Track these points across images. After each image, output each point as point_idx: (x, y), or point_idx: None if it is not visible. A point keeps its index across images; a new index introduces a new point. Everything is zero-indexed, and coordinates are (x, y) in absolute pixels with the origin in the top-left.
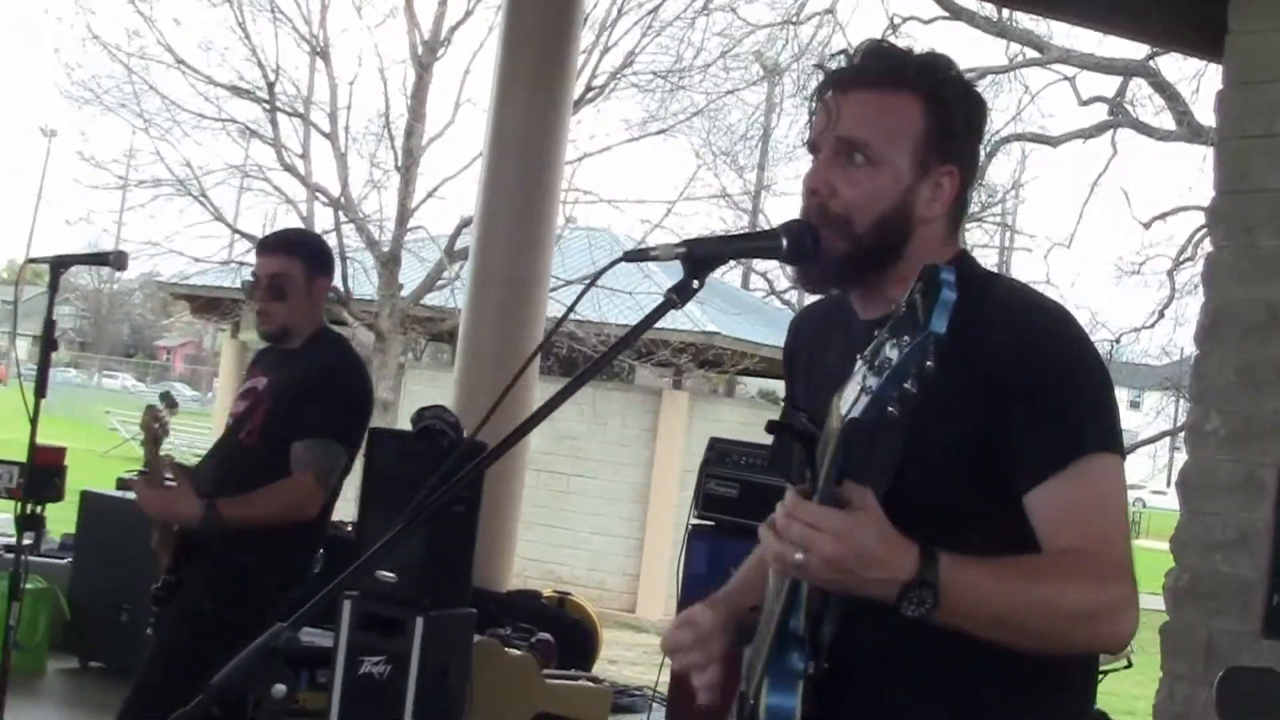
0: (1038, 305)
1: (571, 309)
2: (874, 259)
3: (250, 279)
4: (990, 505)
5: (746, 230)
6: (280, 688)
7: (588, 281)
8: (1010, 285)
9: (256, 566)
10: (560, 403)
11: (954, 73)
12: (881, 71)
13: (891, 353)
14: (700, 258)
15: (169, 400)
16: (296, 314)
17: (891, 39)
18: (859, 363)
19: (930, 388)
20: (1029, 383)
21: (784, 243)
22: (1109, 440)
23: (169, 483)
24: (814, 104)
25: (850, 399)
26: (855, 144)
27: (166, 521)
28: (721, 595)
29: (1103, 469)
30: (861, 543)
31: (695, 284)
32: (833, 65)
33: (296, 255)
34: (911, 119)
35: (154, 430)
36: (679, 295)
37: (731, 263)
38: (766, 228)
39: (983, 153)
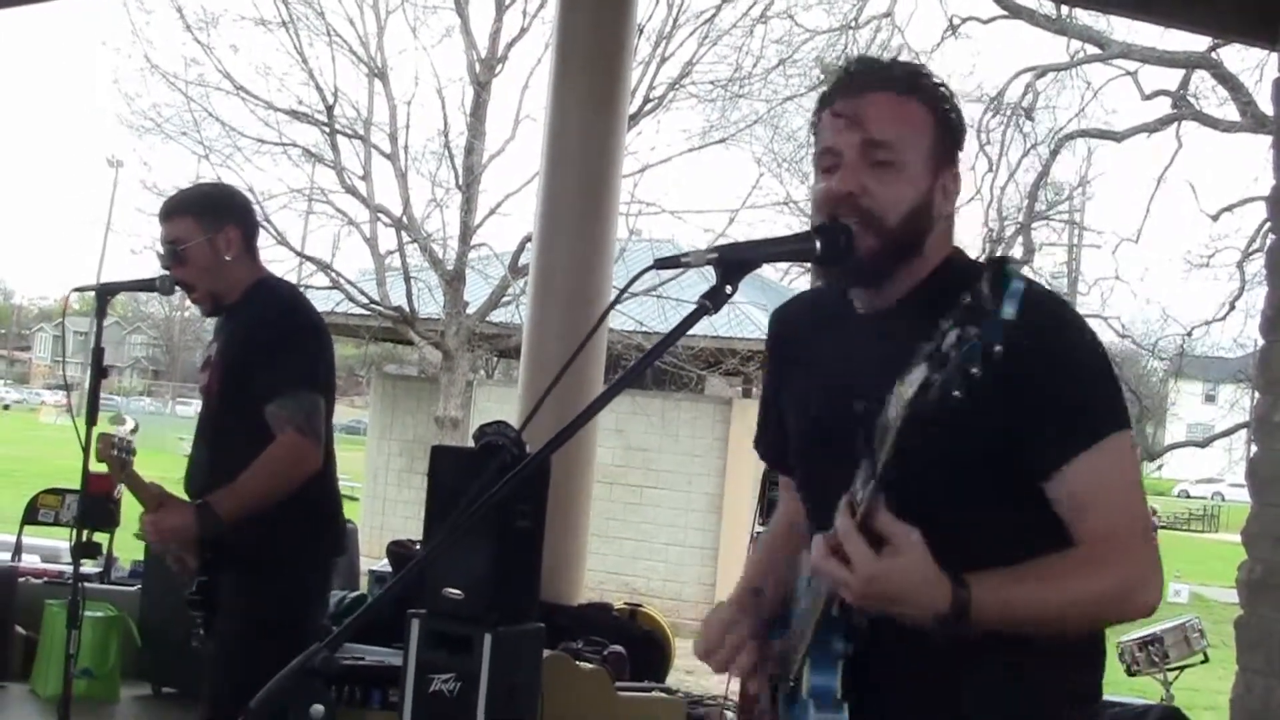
0: (1030, 292)
1: (601, 321)
2: (902, 252)
3: (159, 253)
4: (1010, 492)
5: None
6: (318, 708)
7: (620, 291)
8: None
9: (282, 556)
10: (595, 412)
11: (944, 84)
12: (890, 78)
13: (957, 341)
14: (733, 263)
15: (118, 420)
16: (208, 274)
17: (953, 39)
18: (919, 351)
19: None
20: (1034, 371)
21: (817, 245)
22: (1122, 418)
23: (166, 505)
24: (820, 116)
25: (915, 384)
26: (881, 144)
27: (172, 543)
28: (742, 593)
29: (1120, 446)
30: (890, 588)
31: (729, 289)
32: (829, 80)
33: (188, 214)
34: (924, 124)
35: (115, 458)
36: (712, 301)
37: (800, 269)
38: (799, 230)
39: (1046, 151)
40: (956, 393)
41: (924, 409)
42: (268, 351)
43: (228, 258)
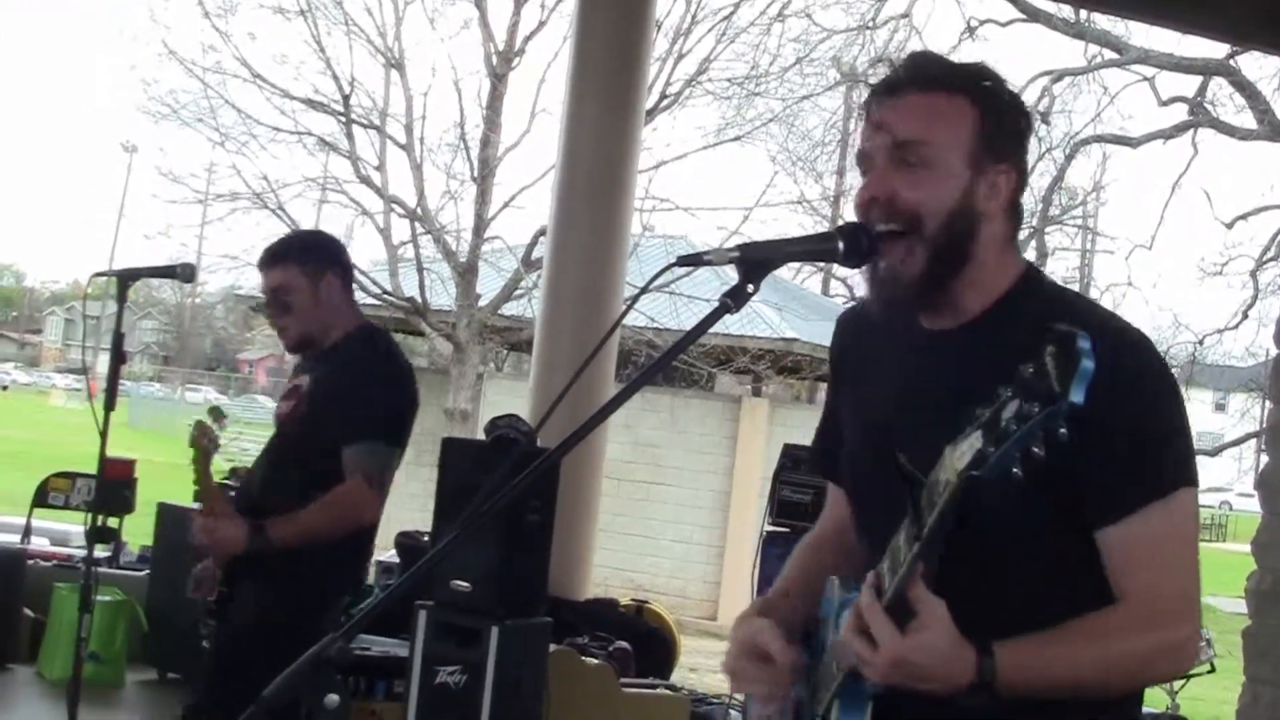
0: (1114, 329)
1: (622, 317)
2: (948, 263)
3: (260, 300)
4: (1063, 532)
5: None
6: (333, 698)
7: (641, 288)
8: (1084, 306)
9: (306, 580)
10: (612, 411)
11: (1001, 79)
12: (930, 75)
13: (1018, 416)
14: (755, 261)
15: (218, 415)
16: (309, 320)
17: (970, 41)
18: (976, 417)
19: None
20: (1108, 414)
21: (840, 245)
22: (1187, 473)
23: (224, 514)
24: (862, 116)
25: (968, 454)
26: (910, 145)
27: (217, 552)
28: (775, 598)
29: (1181, 505)
30: (915, 670)
31: (750, 288)
32: (878, 77)
33: (292, 262)
34: (963, 119)
35: (204, 445)
36: (733, 299)
37: (812, 268)
38: (822, 230)
39: (1061, 155)
40: (1016, 470)
41: (977, 482)
42: (361, 397)
43: (327, 303)
